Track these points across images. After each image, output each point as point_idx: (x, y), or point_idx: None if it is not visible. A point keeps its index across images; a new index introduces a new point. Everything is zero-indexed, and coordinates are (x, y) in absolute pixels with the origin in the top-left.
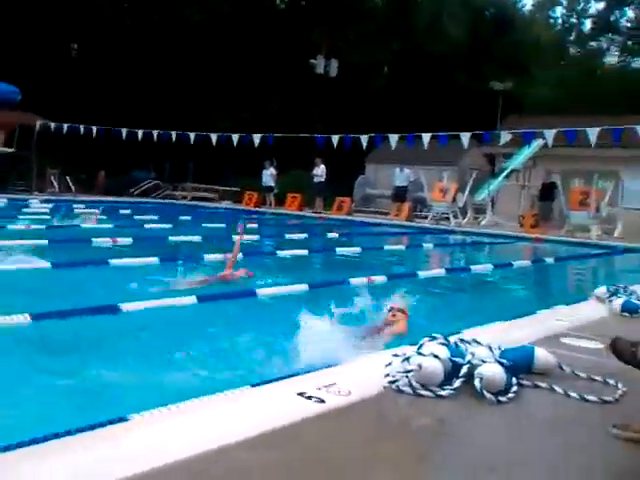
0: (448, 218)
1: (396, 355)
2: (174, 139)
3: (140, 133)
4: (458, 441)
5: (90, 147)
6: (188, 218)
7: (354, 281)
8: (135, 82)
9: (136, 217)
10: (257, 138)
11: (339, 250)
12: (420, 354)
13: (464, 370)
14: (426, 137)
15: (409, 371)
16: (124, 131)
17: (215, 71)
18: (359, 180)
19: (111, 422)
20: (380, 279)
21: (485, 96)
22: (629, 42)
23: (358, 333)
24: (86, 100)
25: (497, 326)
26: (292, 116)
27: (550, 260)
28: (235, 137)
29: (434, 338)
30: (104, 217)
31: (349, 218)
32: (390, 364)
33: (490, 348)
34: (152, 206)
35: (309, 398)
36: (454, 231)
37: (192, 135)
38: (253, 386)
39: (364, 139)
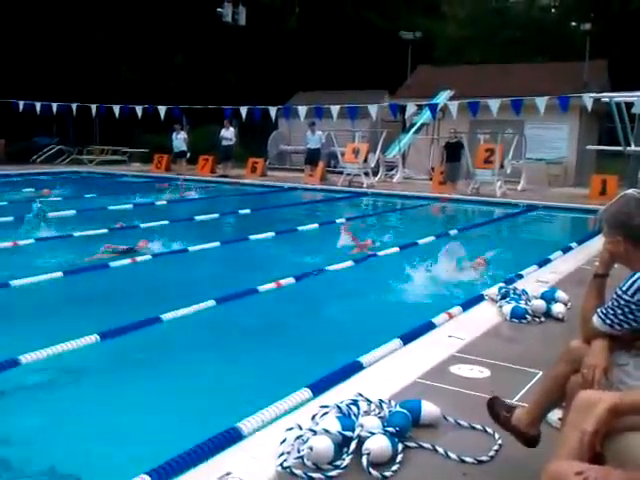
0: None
1: (290, 429)
2: (75, 112)
3: (38, 106)
4: None
5: None
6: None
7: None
8: (32, 46)
9: None
10: (162, 110)
11: (253, 237)
12: (312, 430)
13: (353, 446)
14: (335, 109)
15: (301, 457)
16: (21, 104)
17: (119, 25)
18: (273, 136)
19: None
20: None
21: (395, 43)
22: None
23: None
24: None
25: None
26: (201, 67)
27: (454, 232)
28: (139, 109)
29: (326, 406)
30: None
31: (261, 182)
32: (284, 441)
33: (380, 405)
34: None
35: None
36: (366, 193)
37: (94, 107)
38: None
39: (272, 111)
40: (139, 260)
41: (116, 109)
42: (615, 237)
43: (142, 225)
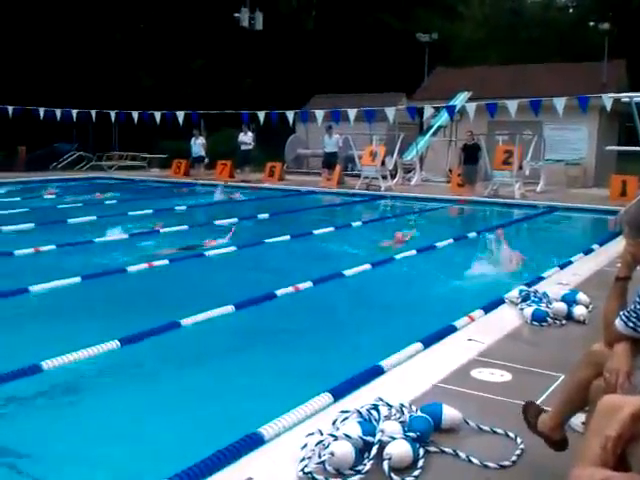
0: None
1: (311, 434)
2: (94, 118)
3: (58, 112)
4: None
5: (6, 124)
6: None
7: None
8: (53, 51)
9: None
10: (180, 115)
11: (268, 240)
12: (333, 435)
13: (374, 451)
14: (352, 112)
15: (323, 462)
16: (42, 111)
17: (137, 31)
18: (290, 140)
19: None
20: None
21: (412, 45)
22: None
23: None
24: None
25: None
26: (218, 72)
27: (473, 234)
28: (157, 115)
29: (346, 411)
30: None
31: (280, 187)
32: (305, 446)
33: (401, 410)
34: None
35: None
36: (384, 196)
37: (112, 113)
38: None
39: (290, 115)
40: (156, 265)
41: (135, 115)
42: (637, 239)
43: (162, 230)
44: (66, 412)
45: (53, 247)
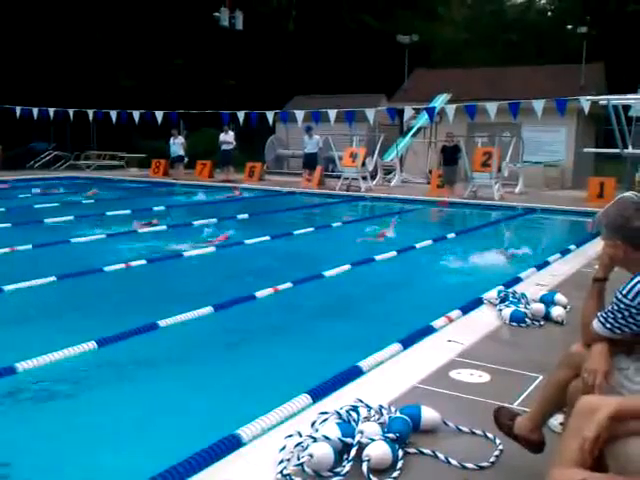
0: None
1: (289, 436)
2: (72, 117)
3: (35, 111)
4: None
5: None
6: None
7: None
8: (29, 51)
9: None
10: (159, 115)
11: (248, 241)
12: (311, 437)
13: (353, 453)
14: (332, 113)
15: (301, 464)
16: (18, 109)
17: (116, 30)
18: (270, 141)
19: None
20: None
21: (392, 47)
22: None
23: None
24: None
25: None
26: (198, 72)
27: (452, 235)
28: (136, 114)
29: (326, 413)
30: None
31: (260, 187)
32: (284, 448)
33: (380, 411)
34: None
35: None
36: (364, 197)
37: (90, 112)
38: None
39: (270, 115)
40: (133, 265)
41: (113, 114)
42: (614, 241)
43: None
44: (41, 414)
45: (29, 247)
